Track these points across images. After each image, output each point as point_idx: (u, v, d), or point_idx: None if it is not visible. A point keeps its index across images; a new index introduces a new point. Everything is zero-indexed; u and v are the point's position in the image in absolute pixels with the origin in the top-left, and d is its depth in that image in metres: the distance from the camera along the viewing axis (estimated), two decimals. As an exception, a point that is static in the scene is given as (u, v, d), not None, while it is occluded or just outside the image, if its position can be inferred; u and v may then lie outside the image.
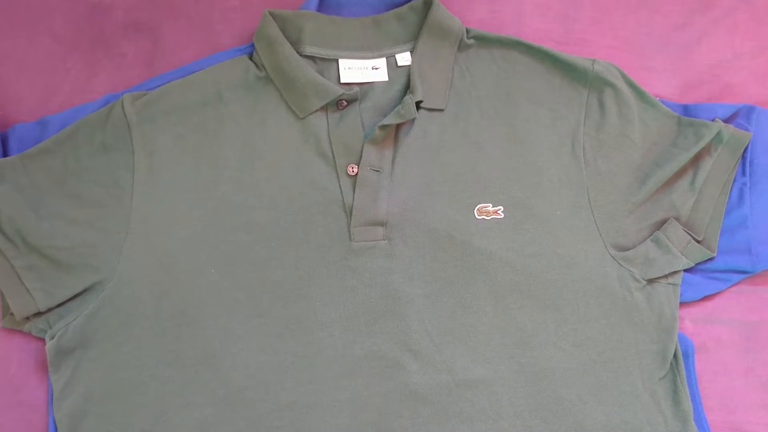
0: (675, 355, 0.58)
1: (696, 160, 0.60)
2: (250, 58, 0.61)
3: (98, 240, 0.57)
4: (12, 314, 0.57)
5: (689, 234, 0.60)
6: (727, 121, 0.62)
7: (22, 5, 0.65)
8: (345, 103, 0.59)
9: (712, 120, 0.61)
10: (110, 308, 0.56)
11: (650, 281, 0.59)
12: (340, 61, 0.61)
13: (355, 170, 0.58)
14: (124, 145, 0.58)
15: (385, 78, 0.61)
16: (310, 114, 0.59)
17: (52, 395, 0.57)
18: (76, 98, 0.63)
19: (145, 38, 0.65)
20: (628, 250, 0.59)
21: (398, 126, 0.59)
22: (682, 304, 0.60)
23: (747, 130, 0.61)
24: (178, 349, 0.56)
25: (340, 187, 0.58)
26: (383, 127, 0.57)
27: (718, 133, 0.60)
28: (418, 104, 0.59)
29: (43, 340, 0.58)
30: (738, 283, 0.61)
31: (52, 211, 0.57)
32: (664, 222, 0.60)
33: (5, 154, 0.60)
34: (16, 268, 0.57)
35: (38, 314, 0.57)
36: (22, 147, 0.60)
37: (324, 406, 0.55)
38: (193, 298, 0.56)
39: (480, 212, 0.58)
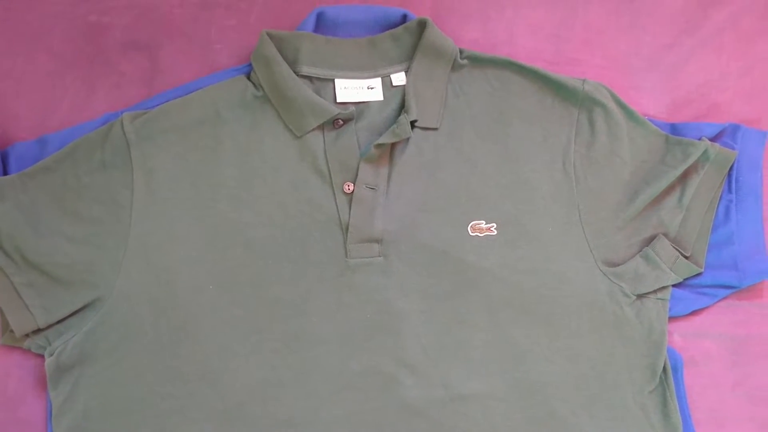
0: (664, 369, 0.60)
1: (683, 178, 0.62)
2: (248, 78, 0.62)
3: (97, 257, 0.58)
4: (11, 331, 0.58)
5: (677, 250, 0.61)
6: (713, 139, 0.63)
7: (21, 23, 0.65)
8: (341, 122, 0.60)
9: (699, 138, 0.63)
10: (109, 325, 0.57)
11: (640, 296, 0.60)
12: (336, 80, 0.62)
13: (351, 188, 0.59)
14: (123, 163, 0.59)
15: (380, 97, 0.62)
16: (307, 133, 0.60)
17: (51, 412, 0.57)
18: (75, 116, 0.64)
19: (144, 57, 0.66)
20: (618, 265, 0.60)
21: (393, 145, 0.60)
22: (671, 318, 0.61)
23: (733, 148, 0.63)
24: (177, 365, 0.57)
25: (337, 205, 0.59)
26: (379, 145, 0.58)
27: (705, 152, 0.61)
28: (412, 123, 0.60)
29: (41, 356, 0.58)
30: (725, 297, 0.62)
31: (52, 228, 0.58)
32: (652, 238, 0.61)
33: (5, 172, 0.61)
34: (15, 285, 0.57)
35: (38, 331, 0.58)
36: (21, 165, 0.61)
37: (321, 420, 0.56)
38: (191, 314, 0.57)
39: (474, 229, 0.60)
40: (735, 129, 0.64)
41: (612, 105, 0.62)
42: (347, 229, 0.58)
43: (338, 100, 0.62)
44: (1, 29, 0.65)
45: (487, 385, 0.57)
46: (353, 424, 0.56)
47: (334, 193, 0.59)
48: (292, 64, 0.61)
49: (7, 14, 0.65)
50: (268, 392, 0.56)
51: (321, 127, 0.60)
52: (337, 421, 0.56)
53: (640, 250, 0.61)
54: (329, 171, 0.59)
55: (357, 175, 0.59)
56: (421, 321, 0.58)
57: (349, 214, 0.58)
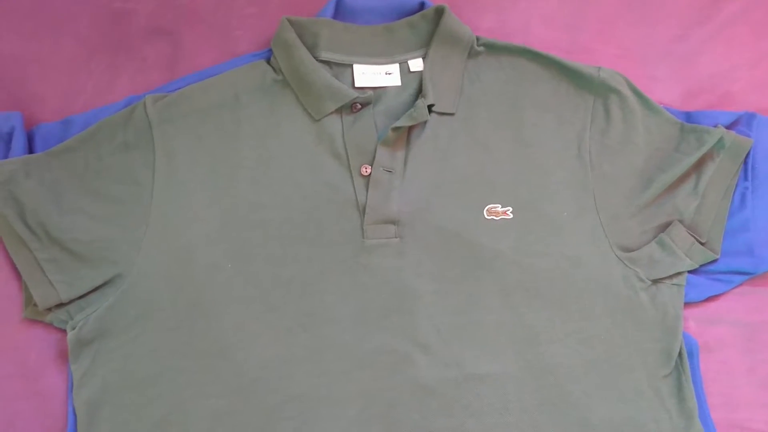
0: (680, 354, 0.60)
1: (699, 165, 0.62)
2: (268, 63, 0.64)
3: (118, 235, 0.59)
4: (35, 305, 0.59)
5: (693, 236, 0.61)
6: (728, 127, 0.64)
7: (49, 9, 0.67)
8: (359, 106, 0.61)
9: (714, 126, 0.63)
10: (128, 301, 0.58)
11: (655, 281, 0.60)
12: (355, 66, 0.63)
13: (368, 170, 0.60)
14: (145, 144, 0.60)
15: (398, 83, 0.63)
16: (325, 116, 0.61)
17: (71, 384, 0.58)
18: (99, 99, 0.65)
19: (166, 43, 0.67)
20: (633, 251, 0.60)
21: (410, 129, 0.61)
22: (686, 304, 0.61)
23: (748, 136, 0.63)
24: (193, 341, 0.57)
25: (354, 187, 0.60)
26: (396, 129, 0.59)
27: (720, 139, 0.62)
28: (429, 108, 0.61)
29: (63, 330, 0.59)
30: (740, 284, 0.62)
31: (75, 206, 0.59)
32: (668, 224, 0.61)
33: (30, 152, 0.62)
34: (39, 260, 0.58)
35: (60, 305, 0.59)
36: (46, 145, 0.62)
37: (334, 398, 0.57)
38: (208, 292, 0.58)
39: (489, 212, 0.60)
40: (750, 117, 0.64)
41: (627, 92, 0.63)
42: (364, 210, 0.59)
43: (356, 85, 0.63)
44: (30, 14, 0.67)
45: (499, 366, 0.57)
46: (366, 401, 0.57)
47: (351, 176, 0.60)
48: (312, 49, 0.62)
49: (36, 0, 0.67)
50: (281, 369, 0.57)
51: (339, 111, 0.61)
52: (349, 399, 0.57)
53: (655, 236, 0.61)
54: (347, 154, 0.60)
55: (374, 158, 0.60)
56: (435, 301, 0.58)
57: (366, 195, 0.59)
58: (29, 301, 0.60)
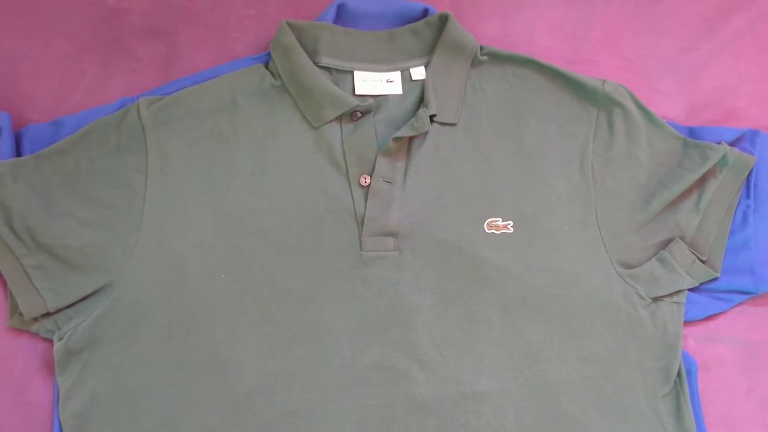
0: (679, 373, 0.59)
1: (701, 182, 0.61)
2: (266, 67, 0.62)
3: (109, 241, 0.57)
4: (20, 314, 0.57)
5: (694, 254, 0.61)
6: (731, 144, 0.63)
7: (40, 7, 0.65)
8: (359, 114, 0.60)
9: (718, 143, 0.62)
10: (119, 310, 0.56)
11: (655, 299, 0.60)
12: (356, 73, 0.62)
13: (368, 181, 0.59)
14: (137, 147, 0.59)
15: (399, 91, 0.62)
16: (325, 124, 0.60)
17: (58, 396, 0.56)
18: (91, 100, 0.64)
19: (161, 43, 0.66)
20: (634, 267, 0.60)
21: (411, 138, 0.60)
22: (686, 322, 0.60)
23: (751, 153, 0.62)
24: (186, 353, 0.56)
25: (352, 197, 0.59)
26: (397, 139, 0.58)
27: (724, 156, 0.61)
28: (431, 118, 0.60)
29: (49, 340, 0.57)
30: (741, 303, 0.62)
31: (64, 210, 0.57)
32: (669, 241, 0.61)
33: (18, 154, 0.60)
34: (25, 267, 0.56)
35: (47, 315, 0.57)
36: (35, 147, 0.60)
37: (330, 413, 0.55)
38: (201, 302, 0.57)
39: (489, 226, 0.59)
40: (754, 135, 0.64)
41: (631, 106, 0.62)
42: (363, 221, 0.58)
43: (357, 92, 0.62)
44: (21, 11, 0.65)
45: (498, 383, 0.57)
46: (362, 417, 0.55)
47: (350, 185, 0.59)
48: (311, 54, 0.61)
49: (26, -4, 0.65)
50: (276, 383, 0.56)
51: (339, 119, 0.60)
52: (345, 415, 0.55)
53: (656, 253, 0.60)
54: (346, 163, 0.59)
55: (374, 168, 0.58)
56: (433, 316, 0.57)
57: (365, 206, 0.58)
58: (14, 310, 0.58)
